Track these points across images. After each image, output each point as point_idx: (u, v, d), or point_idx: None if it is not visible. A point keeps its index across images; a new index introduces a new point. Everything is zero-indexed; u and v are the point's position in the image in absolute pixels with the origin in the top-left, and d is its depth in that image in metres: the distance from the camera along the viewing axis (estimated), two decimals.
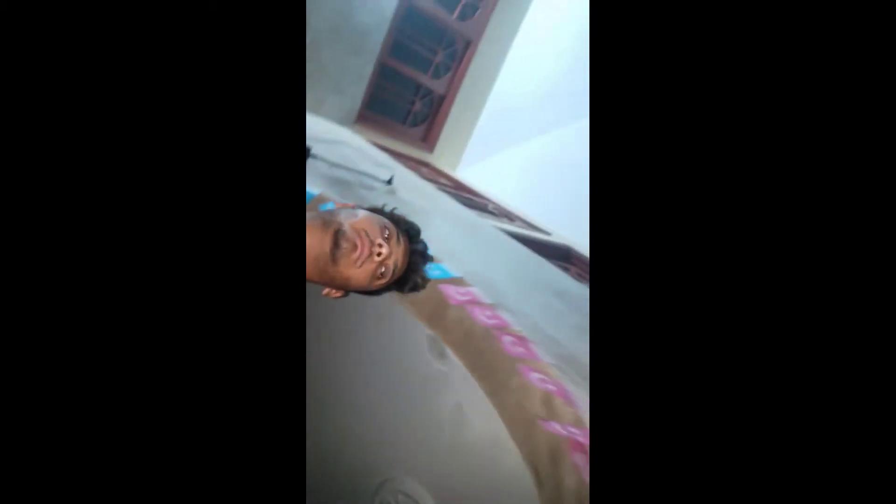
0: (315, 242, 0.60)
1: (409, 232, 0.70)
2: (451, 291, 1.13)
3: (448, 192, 2.80)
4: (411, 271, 0.69)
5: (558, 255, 2.69)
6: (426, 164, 3.53)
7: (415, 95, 3.37)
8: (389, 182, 2.04)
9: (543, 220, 3.28)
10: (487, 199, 3.37)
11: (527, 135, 3.78)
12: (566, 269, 2.48)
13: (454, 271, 1.15)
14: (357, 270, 0.62)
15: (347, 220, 0.62)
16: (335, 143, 2.21)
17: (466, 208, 2.54)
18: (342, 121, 2.93)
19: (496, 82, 3.71)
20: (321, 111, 2.81)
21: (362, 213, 0.66)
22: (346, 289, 0.66)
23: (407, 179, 2.36)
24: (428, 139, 3.47)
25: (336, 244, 0.59)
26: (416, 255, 0.70)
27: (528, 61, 3.70)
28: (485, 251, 1.88)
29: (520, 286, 1.54)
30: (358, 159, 2.17)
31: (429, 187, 2.57)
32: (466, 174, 3.79)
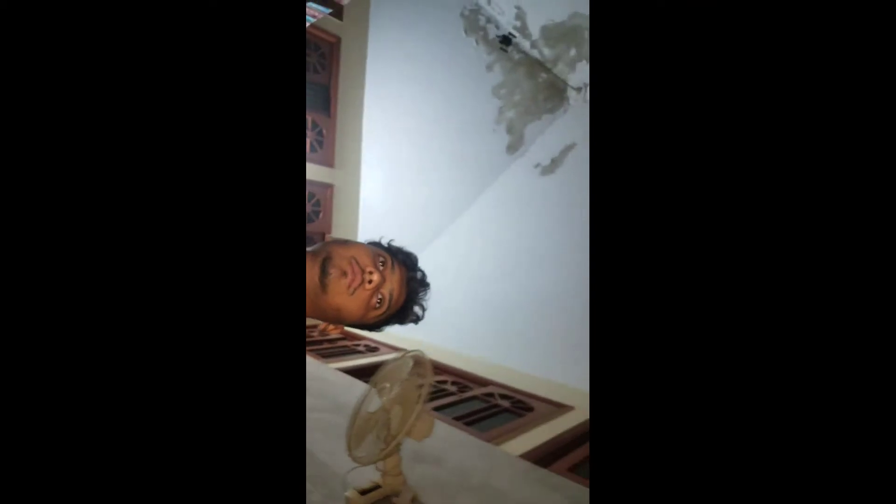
0: (307, 275, 0.57)
1: (405, 261, 0.67)
2: None
3: (318, 349, 2.91)
4: (410, 301, 0.66)
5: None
6: (310, 326, 3.67)
7: None
8: None
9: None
10: (363, 340, 3.51)
11: None
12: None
13: None
14: (349, 299, 0.59)
15: (338, 249, 0.60)
16: None
17: (319, 360, 2.49)
18: None
19: None
20: None
21: (355, 243, 0.63)
22: (341, 321, 0.62)
23: None
24: None
25: (324, 271, 0.57)
26: (415, 282, 0.66)
27: None
28: None
29: None
30: None
31: None
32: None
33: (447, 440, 1.70)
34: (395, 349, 3.19)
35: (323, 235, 4.11)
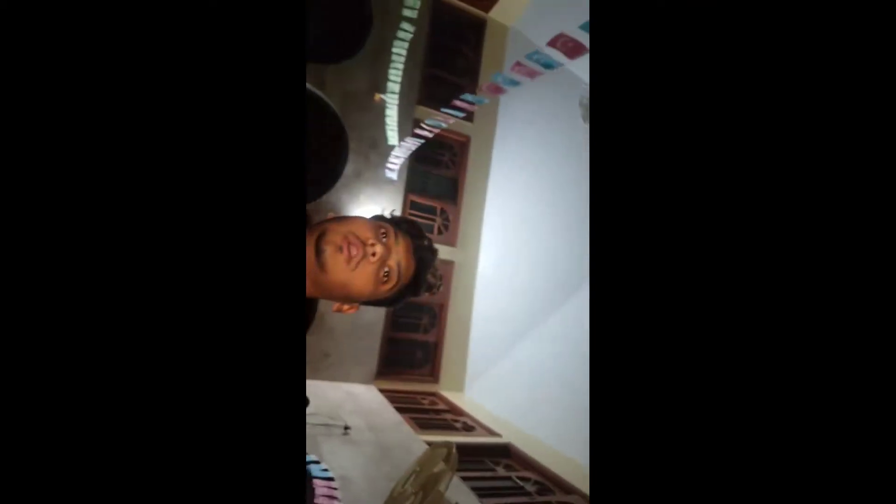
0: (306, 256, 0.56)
1: (409, 230, 0.63)
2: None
3: (416, 416, 3.28)
4: (421, 271, 0.63)
5: (496, 452, 2.92)
6: (433, 394, 4.31)
7: (415, 348, 4.58)
8: (346, 429, 2.30)
9: (542, 426, 3.35)
10: (464, 417, 3.63)
11: (516, 339, 4.18)
12: (495, 466, 2.72)
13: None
14: (352, 275, 0.56)
15: (333, 226, 0.58)
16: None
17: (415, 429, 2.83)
18: (365, 381, 4.11)
19: (472, 315, 4.60)
20: (349, 377, 4.04)
21: (353, 218, 0.61)
22: (349, 298, 0.60)
23: (378, 417, 2.97)
24: (433, 374, 4.57)
25: (318, 250, 0.55)
26: (423, 251, 0.63)
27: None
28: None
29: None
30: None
31: (392, 420, 3.00)
32: (473, 392, 4.37)
33: None
34: (492, 433, 3.23)
35: (442, 306, 4.54)
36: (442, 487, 1.39)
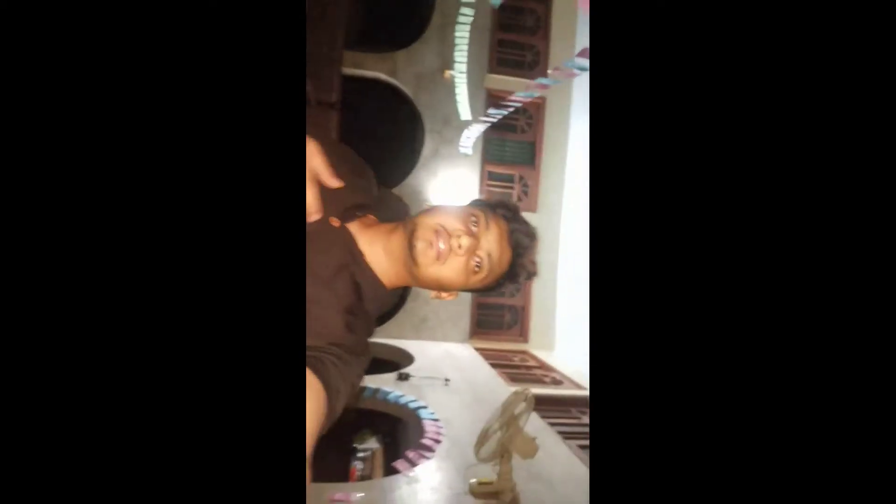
0: (399, 247, 0.57)
1: (505, 215, 0.62)
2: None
3: (508, 370, 3.71)
4: (517, 256, 0.61)
5: (580, 403, 3.16)
6: (523, 352, 4.64)
7: (503, 311, 4.90)
8: (447, 381, 2.76)
9: None
10: (553, 372, 3.94)
11: None
12: (580, 415, 2.98)
13: None
14: (444, 268, 0.56)
15: (424, 219, 0.58)
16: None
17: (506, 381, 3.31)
18: (461, 340, 4.64)
19: (557, 278, 4.69)
20: (447, 338, 4.59)
21: (444, 208, 0.60)
22: (443, 289, 0.61)
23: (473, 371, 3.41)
24: (522, 334, 4.89)
25: (411, 245, 0.56)
26: (518, 235, 0.61)
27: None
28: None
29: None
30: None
31: (486, 374, 3.41)
32: (563, 350, 4.60)
33: (570, 474, 1.99)
34: (578, 386, 3.45)
35: None
36: (521, 423, 1.67)
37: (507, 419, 1.69)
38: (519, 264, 0.62)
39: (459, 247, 0.56)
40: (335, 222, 0.58)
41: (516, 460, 1.71)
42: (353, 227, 0.59)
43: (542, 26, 4.74)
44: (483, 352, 4.18)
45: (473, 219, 0.58)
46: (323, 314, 0.51)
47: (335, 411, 0.46)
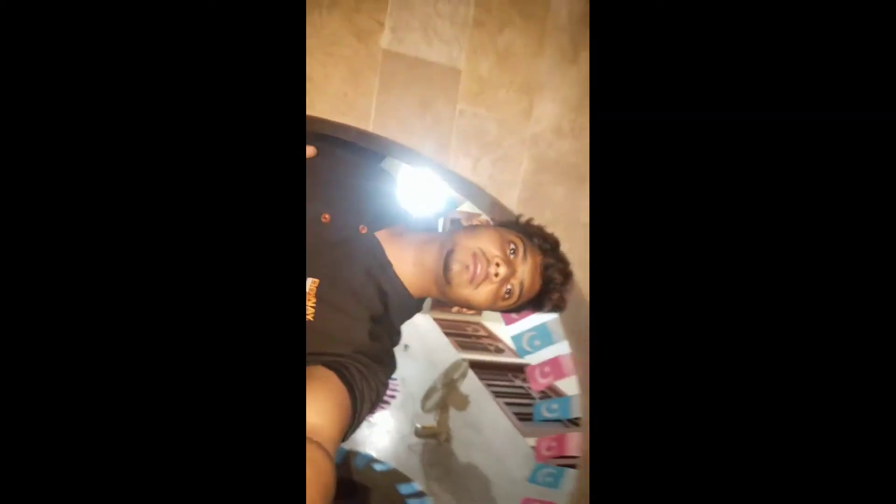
0: (432, 261, 0.56)
1: (542, 245, 0.62)
2: None
3: (460, 339, 4.27)
4: (547, 290, 0.62)
5: (515, 369, 3.71)
6: (476, 324, 5.17)
7: None
8: (406, 347, 3.28)
9: None
10: (497, 342, 4.57)
11: None
12: (514, 378, 3.51)
13: None
14: (475, 292, 0.56)
15: (463, 240, 0.57)
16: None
17: (456, 348, 3.86)
18: (423, 310, 4.97)
19: None
20: None
21: (484, 230, 0.59)
22: (469, 308, 0.61)
23: (431, 339, 3.85)
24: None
25: (447, 266, 0.55)
26: (552, 271, 0.61)
27: None
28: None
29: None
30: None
31: (441, 342, 3.89)
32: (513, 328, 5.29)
33: (495, 423, 2.58)
34: (516, 355, 4.09)
35: None
36: (458, 385, 2.21)
37: (448, 381, 2.22)
38: (547, 298, 0.62)
39: (497, 275, 0.56)
40: (363, 230, 0.58)
41: (453, 412, 2.27)
42: (381, 236, 0.59)
43: None
44: (440, 321, 4.73)
45: (512, 246, 0.58)
46: (348, 322, 0.52)
47: (361, 418, 0.47)
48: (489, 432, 2.48)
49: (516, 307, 0.62)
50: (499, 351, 4.20)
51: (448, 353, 3.74)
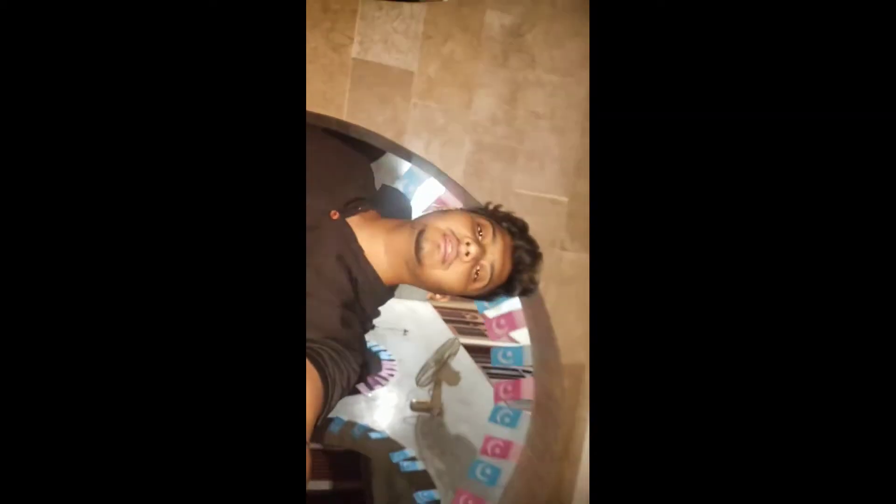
0: (404, 245, 0.57)
1: (510, 229, 0.63)
2: None
3: (459, 324, 4.34)
4: (517, 272, 0.62)
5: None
6: (473, 310, 5.44)
7: None
8: (405, 332, 3.46)
9: None
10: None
11: None
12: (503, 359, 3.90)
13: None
14: (446, 273, 0.57)
15: (434, 221, 0.57)
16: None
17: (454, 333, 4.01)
18: (422, 299, 4.95)
19: None
20: (412, 297, 4.79)
21: (455, 213, 0.60)
22: (444, 293, 0.61)
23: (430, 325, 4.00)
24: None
25: (418, 246, 0.55)
26: (521, 252, 0.62)
27: None
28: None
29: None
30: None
31: (439, 328, 4.04)
32: (506, 309, 5.56)
33: (484, 399, 2.76)
34: (512, 340, 4.27)
35: None
36: (450, 361, 2.38)
37: (440, 358, 2.39)
38: (517, 279, 0.63)
39: (467, 254, 0.56)
40: (335, 215, 0.59)
41: (446, 388, 2.44)
42: (354, 222, 0.60)
43: None
44: (440, 309, 4.91)
45: (480, 228, 0.59)
46: (320, 307, 0.52)
47: (332, 403, 0.48)
48: (479, 406, 2.66)
49: (488, 291, 0.63)
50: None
51: (446, 337, 3.93)
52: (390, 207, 0.69)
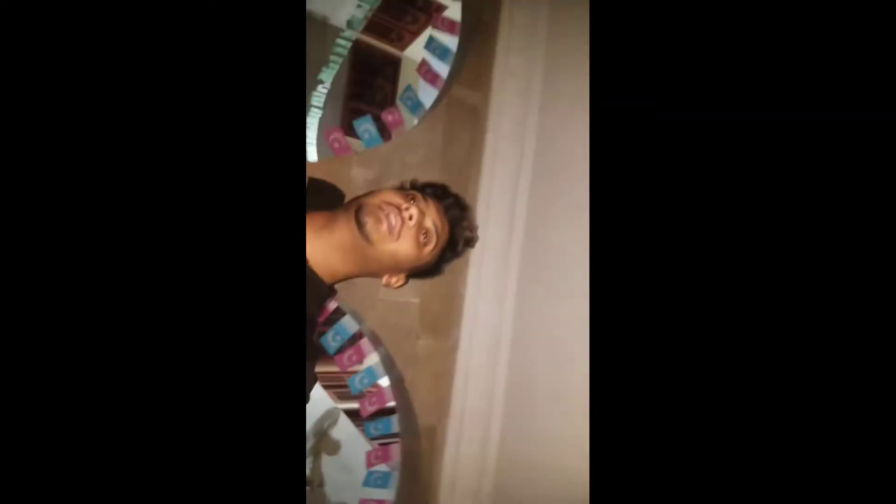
0: (345, 232, 0.57)
1: (434, 193, 0.67)
2: None
3: (339, 390, 4.33)
4: (455, 226, 0.66)
5: (389, 411, 4.20)
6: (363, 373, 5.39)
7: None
8: None
9: None
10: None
11: None
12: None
13: None
14: (398, 244, 0.59)
15: (367, 199, 0.60)
16: None
17: (334, 399, 3.91)
18: None
19: None
20: None
21: (382, 189, 0.63)
22: (399, 268, 0.62)
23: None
24: (358, 357, 5.89)
25: (360, 222, 0.57)
26: (452, 209, 0.67)
27: None
28: None
29: None
30: None
31: (319, 394, 4.12)
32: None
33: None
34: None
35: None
36: (330, 432, 2.44)
37: (319, 430, 2.45)
38: (457, 233, 0.69)
39: (410, 218, 0.59)
40: None
41: (325, 458, 2.48)
42: None
43: (388, 101, 5.69)
44: (321, 374, 4.81)
45: (411, 196, 0.63)
46: None
47: None
48: (358, 472, 2.71)
49: (438, 253, 0.67)
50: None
51: (326, 404, 3.88)
52: (321, 199, 0.69)
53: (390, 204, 0.61)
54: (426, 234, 0.63)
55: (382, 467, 1.29)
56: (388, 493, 1.27)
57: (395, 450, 1.27)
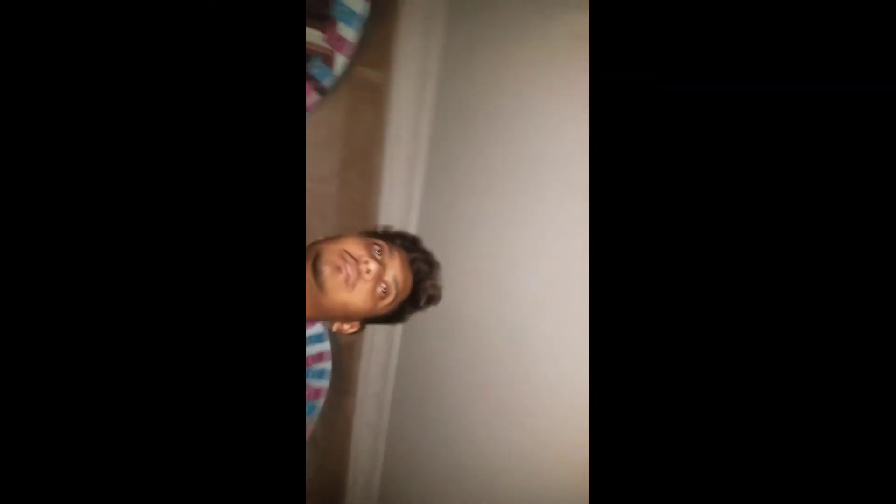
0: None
1: (404, 245, 0.66)
2: None
3: None
4: (419, 282, 0.65)
5: None
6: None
7: None
8: None
9: None
10: None
11: None
12: None
13: None
14: (352, 295, 0.58)
15: (327, 246, 0.59)
16: None
17: None
18: None
19: None
20: None
21: (346, 236, 0.62)
22: (349, 317, 0.62)
23: None
24: None
25: (317, 271, 0.56)
26: (419, 263, 0.65)
27: None
28: None
29: None
30: None
31: None
32: None
33: None
34: None
35: None
36: None
37: None
38: (420, 289, 0.66)
39: (368, 272, 0.58)
40: None
41: None
42: None
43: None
44: None
45: (377, 247, 0.61)
46: None
47: None
48: None
49: (397, 307, 0.65)
50: None
51: None
52: None
53: (351, 255, 0.61)
54: (385, 287, 0.63)
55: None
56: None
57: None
